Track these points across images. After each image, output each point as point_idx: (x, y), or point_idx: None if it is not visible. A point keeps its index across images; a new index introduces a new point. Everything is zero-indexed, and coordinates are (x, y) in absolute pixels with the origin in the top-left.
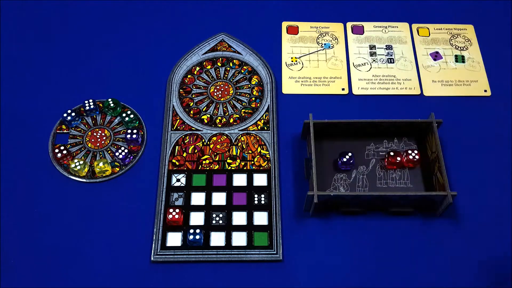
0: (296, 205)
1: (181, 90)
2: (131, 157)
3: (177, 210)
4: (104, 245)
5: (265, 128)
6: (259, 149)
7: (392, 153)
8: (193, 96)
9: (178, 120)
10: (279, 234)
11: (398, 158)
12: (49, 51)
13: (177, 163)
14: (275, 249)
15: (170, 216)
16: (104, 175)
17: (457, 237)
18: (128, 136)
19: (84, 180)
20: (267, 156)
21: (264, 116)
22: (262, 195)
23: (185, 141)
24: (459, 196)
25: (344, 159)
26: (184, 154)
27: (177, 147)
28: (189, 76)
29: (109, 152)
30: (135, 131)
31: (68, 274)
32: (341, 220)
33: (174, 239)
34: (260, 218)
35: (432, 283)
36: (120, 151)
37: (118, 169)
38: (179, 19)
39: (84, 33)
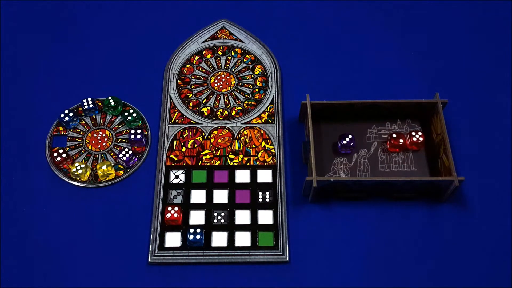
0: (303, 203)
1: (179, 80)
2: (136, 159)
3: (176, 209)
4: (99, 246)
5: (270, 121)
6: (263, 143)
7: (394, 135)
8: (192, 87)
9: (177, 113)
10: (285, 234)
11: (401, 140)
12: (44, 49)
13: (175, 159)
14: (281, 249)
15: (169, 214)
16: (107, 178)
17: (463, 223)
18: (132, 136)
19: (85, 185)
20: (272, 151)
21: (268, 108)
22: (267, 193)
23: (184, 135)
24: (466, 180)
25: (344, 142)
26: (183, 149)
27: (175, 141)
28: (187, 65)
29: (112, 154)
30: (139, 131)
31: (65, 276)
32: (350, 215)
33: (173, 239)
34: (265, 217)
35: (437, 270)
36: (124, 152)
37: (122, 172)
38: (176, 5)
39: (80, 29)
